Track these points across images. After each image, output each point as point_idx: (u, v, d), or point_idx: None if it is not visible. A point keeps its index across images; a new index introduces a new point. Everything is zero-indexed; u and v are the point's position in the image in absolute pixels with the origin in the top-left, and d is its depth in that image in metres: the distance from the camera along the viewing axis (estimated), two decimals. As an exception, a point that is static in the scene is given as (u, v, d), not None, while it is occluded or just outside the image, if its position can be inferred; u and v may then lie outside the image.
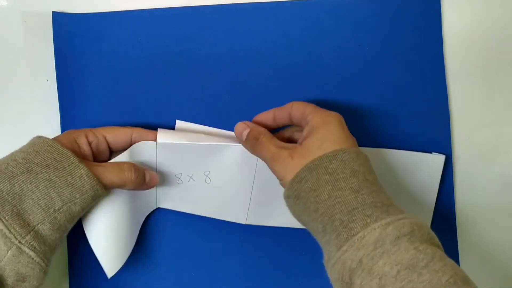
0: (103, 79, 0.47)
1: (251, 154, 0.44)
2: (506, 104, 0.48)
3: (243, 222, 0.48)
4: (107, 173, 0.39)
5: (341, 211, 0.33)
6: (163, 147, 0.45)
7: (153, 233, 0.49)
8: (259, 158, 0.45)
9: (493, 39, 0.47)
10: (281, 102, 0.45)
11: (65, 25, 0.47)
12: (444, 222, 0.48)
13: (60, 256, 0.49)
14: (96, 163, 0.40)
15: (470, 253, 0.48)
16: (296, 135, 0.44)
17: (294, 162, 0.37)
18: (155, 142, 0.45)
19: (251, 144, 0.41)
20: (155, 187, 0.46)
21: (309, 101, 0.44)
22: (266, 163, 0.40)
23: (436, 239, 0.33)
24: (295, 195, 0.36)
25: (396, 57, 0.47)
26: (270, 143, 0.39)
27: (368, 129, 0.47)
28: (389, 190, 0.45)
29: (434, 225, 0.48)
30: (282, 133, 0.45)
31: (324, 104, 0.45)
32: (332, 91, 0.47)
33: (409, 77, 0.47)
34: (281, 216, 0.47)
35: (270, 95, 0.47)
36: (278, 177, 0.38)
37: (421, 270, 0.30)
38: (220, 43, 0.47)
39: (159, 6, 0.47)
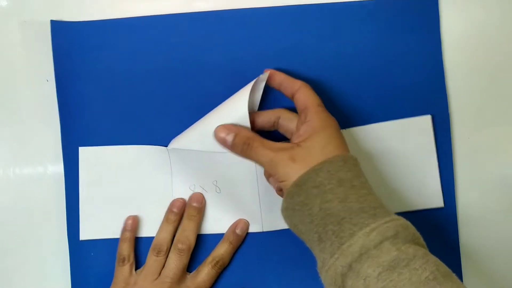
0: (102, 85, 0.48)
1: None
2: (506, 104, 0.49)
3: (260, 230, 0.48)
4: None
5: (331, 222, 0.35)
6: (175, 153, 0.46)
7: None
8: None
9: (491, 39, 0.48)
10: (282, 105, 0.46)
11: (63, 34, 0.48)
12: (445, 222, 0.48)
13: (62, 264, 0.49)
14: None
15: (471, 253, 0.48)
16: (285, 123, 0.43)
17: (297, 165, 0.38)
18: (166, 147, 0.46)
19: (241, 149, 0.41)
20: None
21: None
22: (264, 167, 0.41)
23: (421, 239, 0.36)
24: (290, 208, 0.38)
25: (395, 60, 0.47)
26: (264, 147, 0.40)
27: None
28: (387, 164, 0.47)
29: (435, 226, 0.48)
30: (269, 114, 0.44)
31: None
32: (331, 94, 0.48)
33: (409, 79, 0.47)
34: None
35: (270, 98, 0.47)
36: (278, 180, 0.39)
37: (402, 270, 0.32)
38: (218, 48, 0.48)
39: (157, 13, 0.48)
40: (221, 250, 0.47)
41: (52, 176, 0.50)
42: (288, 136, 0.44)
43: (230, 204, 0.48)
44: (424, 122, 0.47)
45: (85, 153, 0.48)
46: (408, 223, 0.35)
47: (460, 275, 0.47)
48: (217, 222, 0.48)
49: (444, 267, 0.33)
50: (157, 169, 0.48)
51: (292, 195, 0.37)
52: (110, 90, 0.48)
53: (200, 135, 0.45)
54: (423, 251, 0.34)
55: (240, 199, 0.48)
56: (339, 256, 0.34)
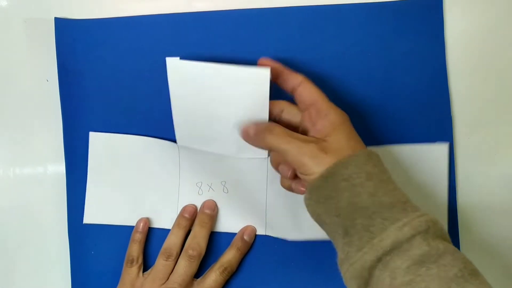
0: (105, 84, 0.48)
1: (261, 165, 0.46)
2: (506, 104, 0.49)
3: (263, 233, 0.48)
4: None
5: (361, 216, 0.34)
6: (185, 149, 0.47)
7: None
8: (269, 167, 0.46)
9: (493, 41, 0.48)
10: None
11: (67, 31, 0.48)
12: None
13: (62, 263, 0.49)
14: None
15: (471, 253, 0.48)
16: (289, 117, 0.42)
17: (328, 158, 0.36)
18: (175, 143, 0.47)
19: (263, 137, 0.40)
20: (176, 202, 0.48)
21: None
22: (287, 156, 0.38)
23: (447, 235, 0.35)
24: (314, 200, 0.37)
25: (399, 61, 0.47)
26: (290, 135, 0.38)
27: (371, 131, 0.48)
28: (401, 184, 0.46)
29: None
30: (271, 106, 0.42)
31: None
32: (334, 94, 0.47)
33: (412, 80, 0.47)
34: (299, 230, 0.47)
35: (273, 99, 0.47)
36: (303, 172, 0.37)
37: (430, 265, 0.32)
38: (221, 48, 0.48)
39: (160, 12, 0.48)
40: (229, 256, 0.47)
41: (52, 176, 0.50)
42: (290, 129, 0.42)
43: (236, 206, 0.48)
44: (441, 150, 0.47)
45: (95, 138, 0.48)
46: (437, 218, 0.35)
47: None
48: (220, 221, 0.48)
49: (471, 265, 0.33)
50: (165, 162, 0.48)
51: (318, 188, 0.37)
52: (112, 88, 0.48)
53: (213, 137, 0.45)
54: (452, 247, 0.33)
55: (247, 203, 0.48)
56: (368, 250, 0.34)
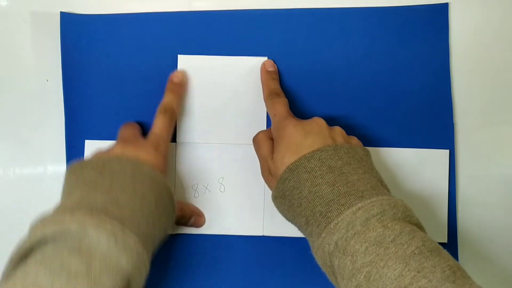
0: (109, 80, 0.48)
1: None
2: (506, 104, 0.49)
3: (260, 233, 0.48)
4: None
5: (320, 203, 0.36)
6: (183, 148, 0.47)
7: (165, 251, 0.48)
8: None
9: (495, 44, 0.49)
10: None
11: (72, 26, 0.48)
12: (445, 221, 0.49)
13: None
14: None
15: (470, 252, 0.49)
16: None
17: (272, 181, 0.41)
18: (175, 143, 0.48)
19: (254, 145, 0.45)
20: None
21: (315, 109, 0.47)
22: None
23: (414, 217, 0.36)
24: (281, 195, 0.40)
25: (403, 66, 0.48)
26: (265, 142, 0.43)
27: (374, 133, 0.48)
28: (399, 188, 0.47)
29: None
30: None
31: (330, 112, 0.47)
32: (336, 97, 0.48)
33: (416, 85, 0.48)
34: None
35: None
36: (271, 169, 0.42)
37: (388, 245, 0.33)
38: (225, 48, 0.48)
39: (166, 10, 0.48)
40: (166, 99, 0.46)
41: (52, 176, 0.50)
42: None
43: (232, 204, 0.48)
44: (442, 156, 0.48)
45: (91, 146, 0.48)
46: (399, 201, 0.36)
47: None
48: (217, 223, 0.48)
49: (431, 243, 0.33)
50: None
51: (284, 180, 0.39)
52: (117, 84, 0.48)
53: (214, 126, 0.47)
54: (410, 227, 0.34)
55: (244, 199, 0.48)
56: (326, 235, 0.35)
